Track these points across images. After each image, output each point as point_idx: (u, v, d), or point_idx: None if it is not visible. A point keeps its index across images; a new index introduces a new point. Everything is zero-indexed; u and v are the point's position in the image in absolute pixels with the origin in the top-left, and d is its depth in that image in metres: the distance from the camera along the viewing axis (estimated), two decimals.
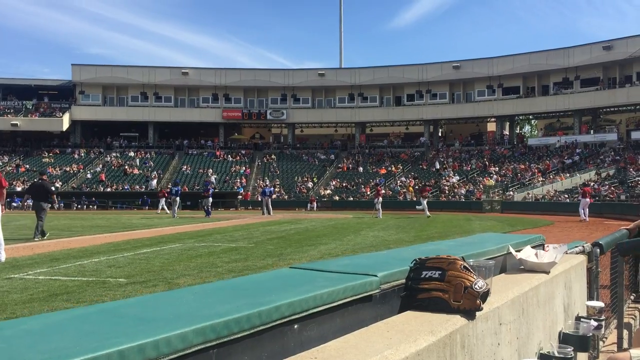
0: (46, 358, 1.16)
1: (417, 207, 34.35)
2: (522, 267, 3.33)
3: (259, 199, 39.90)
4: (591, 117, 55.05)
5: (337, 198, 49.65)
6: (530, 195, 41.77)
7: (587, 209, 27.88)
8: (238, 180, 53.63)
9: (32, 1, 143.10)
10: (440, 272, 2.30)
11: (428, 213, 30.59)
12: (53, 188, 17.38)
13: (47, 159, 57.69)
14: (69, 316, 1.56)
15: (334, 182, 53.52)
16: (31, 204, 22.38)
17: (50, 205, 16.71)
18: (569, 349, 2.95)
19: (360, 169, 56.15)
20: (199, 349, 1.44)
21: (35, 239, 15.08)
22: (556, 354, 2.90)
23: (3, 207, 10.52)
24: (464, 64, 57.82)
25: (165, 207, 37.53)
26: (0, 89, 62.32)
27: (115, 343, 1.27)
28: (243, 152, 61.33)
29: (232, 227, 21.64)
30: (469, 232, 17.14)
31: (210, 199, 32.89)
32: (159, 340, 1.34)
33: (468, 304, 2.20)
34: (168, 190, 37.92)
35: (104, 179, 53.20)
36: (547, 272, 3.25)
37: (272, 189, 42.40)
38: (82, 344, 1.26)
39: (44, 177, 17.61)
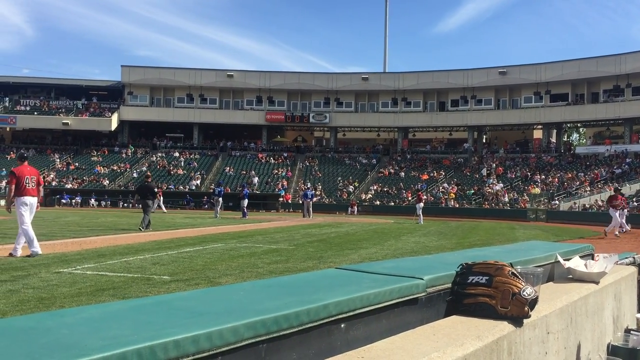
0: (106, 344, 1.21)
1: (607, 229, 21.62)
2: (571, 276, 3.27)
3: (301, 202, 40.09)
4: None
5: (378, 203, 49.45)
6: (577, 205, 40.72)
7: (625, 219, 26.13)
8: (280, 183, 53.99)
9: (84, 4, 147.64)
10: (487, 278, 2.28)
11: (617, 232, 21.30)
12: (156, 189, 19.75)
13: (96, 158, 59.29)
14: (126, 306, 1.62)
15: (375, 187, 53.30)
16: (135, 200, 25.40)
17: (153, 202, 18.96)
18: None
19: (402, 174, 55.74)
20: (249, 343, 1.47)
21: (142, 230, 17.62)
22: None
23: (39, 204, 11.08)
24: (510, 70, 56.83)
25: (162, 206, 37.66)
26: (52, 89, 64.48)
27: (171, 333, 1.31)
28: (285, 154, 61.74)
29: (273, 228, 21.80)
30: (513, 240, 16.82)
31: (246, 201, 33.14)
32: (212, 332, 1.37)
33: (516, 311, 2.18)
34: (211, 190, 38.43)
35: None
36: (597, 283, 3.18)
37: (313, 192, 42.57)
38: (139, 333, 1.30)
39: (149, 179, 20.44)
